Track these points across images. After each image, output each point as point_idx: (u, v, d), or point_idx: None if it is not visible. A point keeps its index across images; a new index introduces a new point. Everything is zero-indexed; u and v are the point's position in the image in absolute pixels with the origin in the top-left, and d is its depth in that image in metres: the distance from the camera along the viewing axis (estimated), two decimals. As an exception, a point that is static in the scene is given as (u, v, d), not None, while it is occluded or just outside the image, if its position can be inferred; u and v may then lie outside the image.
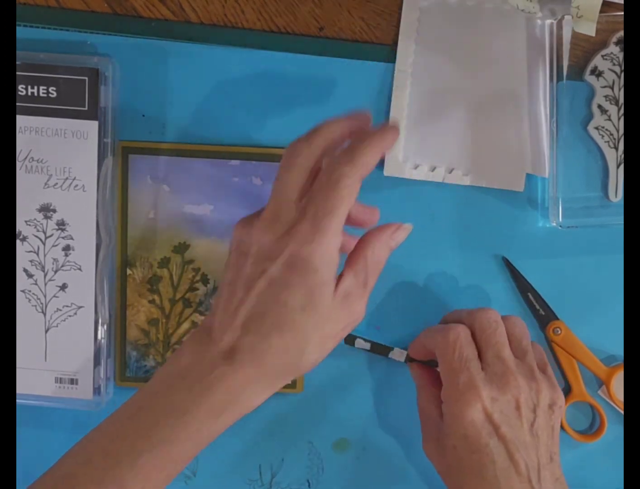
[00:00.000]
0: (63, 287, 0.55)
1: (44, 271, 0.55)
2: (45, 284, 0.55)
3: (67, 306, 0.55)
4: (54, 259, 0.55)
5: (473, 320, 0.51)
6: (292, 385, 0.57)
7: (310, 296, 0.42)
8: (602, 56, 0.54)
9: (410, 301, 0.57)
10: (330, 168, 0.43)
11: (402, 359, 0.55)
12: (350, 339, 0.55)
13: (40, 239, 0.55)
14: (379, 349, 0.56)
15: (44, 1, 0.55)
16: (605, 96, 0.54)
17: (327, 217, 0.42)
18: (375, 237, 0.46)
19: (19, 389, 0.56)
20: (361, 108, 0.47)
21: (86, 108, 0.53)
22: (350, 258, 0.45)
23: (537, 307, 0.57)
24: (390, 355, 0.55)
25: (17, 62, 0.53)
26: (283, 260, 0.42)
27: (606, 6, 0.53)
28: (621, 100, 0.54)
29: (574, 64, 0.55)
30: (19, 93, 0.53)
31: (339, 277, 0.44)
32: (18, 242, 0.55)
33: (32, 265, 0.55)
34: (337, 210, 0.42)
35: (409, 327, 0.57)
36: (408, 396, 0.57)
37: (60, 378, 0.56)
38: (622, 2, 0.53)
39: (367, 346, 0.55)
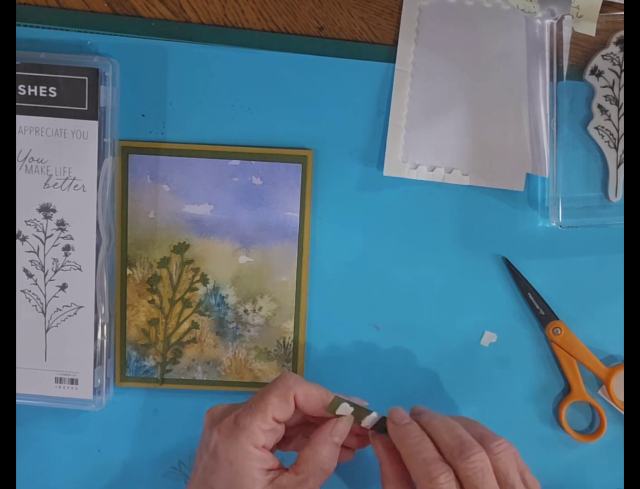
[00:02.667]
0: (63, 287, 0.55)
1: (44, 271, 0.55)
2: (45, 284, 0.55)
3: (67, 306, 0.55)
4: (54, 259, 0.55)
5: (459, 465, 0.45)
6: (292, 385, 0.57)
7: (232, 486, 0.47)
8: (602, 56, 0.54)
9: (410, 301, 0.57)
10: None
11: (370, 425, 0.50)
12: (333, 405, 0.49)
13: (40, 239, 0.55)
14: (360, 413, 0.50)
15: (44, 1, 0.55)
16: (605, 96, 0.54)
17: (249, 416, 0.47)
18: (316, 438, 0.49)
19: (19, 389, 0.56)
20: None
21: (86, 108, 0.53)
22: (298, 457, 0.49)
23: (537, 307, 0.57)
24: (362, 422, 0.50)
25: (17, 62, 0.53)
26: (209, 451, 0.48)
27: (606, 6, 0.53)
28: (621, 101, 0.54)
29: (574, 64, 0.55)
30: (19, 93, 0.53)
31: (282, 471, 0.48)
32: (18, 242, 0.55)
33: (32, 265, 0.55)
34: (259, 413, 0.47)
35: (409, 327, 0.57)
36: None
37: (60, 378, 0.56)
38: (622, 2, 0.53)
39: (349, 411, 0.49)
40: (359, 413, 0.49)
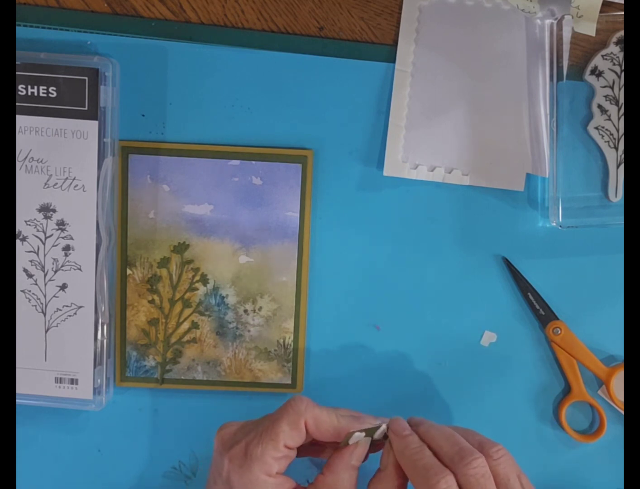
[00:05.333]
0: (63, 287, 0.55)
1: (44, 271, 0.55)
2: (45, 284, 0.55)
3: (67, 306, 0.55)
4: (54, 259, 0.55)
5: (460, 470, 0.45)
6: (292, 385, 0.57)
7: None
8: (602, 56, 0.54)
9: (410, 301, 0.57)
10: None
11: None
12: (346, 439, 0.48)
13: (40, 239, 0.55)
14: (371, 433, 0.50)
15: (44, 1, 0.55)
16: (605, 96, 0.54)
17: (260, 446, 0.47)
18: (337, 463, 0.49)
19: (19, 389, 0.56)
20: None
21: (86, 108, 0.53)
22: (317, 481, 0.49)
23: (537, 307, 0.57)
24: (374, 437, 0.50)
25: (17, 62, 0.53)
26: (223, 479, 0.48)
27: (606, 6, 0.53)
28: (621, 101, 0.54)
29: (574, 64, 0.55)
30: (19, 93, 0.53)
31: None
32: (18, 242, 0.55)
33: (32, 265, 0.55)
34: (271, 442, 0.47)
35: (409, 327, 0.57)
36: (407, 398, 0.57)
37: (60, 378, 0.56)
38: (622, 2, 0.53)
39: (362, 436, 0.49)
40: (371, 432, 0.49)
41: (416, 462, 0.46)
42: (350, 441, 0.49)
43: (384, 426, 0.49)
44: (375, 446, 0.51)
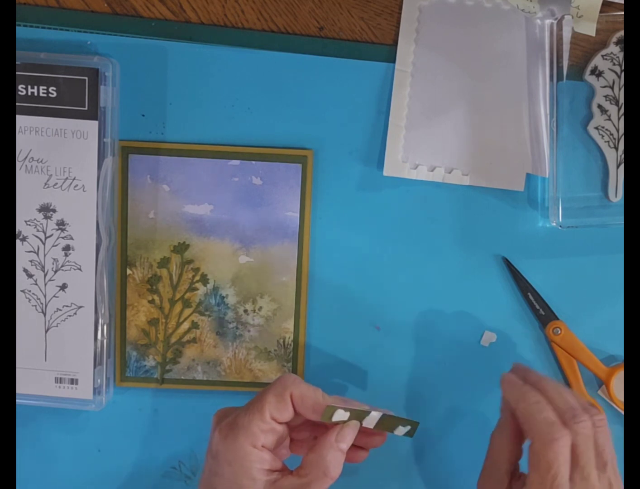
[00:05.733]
0: (63, 287, 0.55)
1: (44, 271, 0.55)
2: (45, 284, 0.55)
3: (67, 306, 0.55)
4: (54, 259, 0.55)
5: (574, 430, 0.47)
6: (292, 385, 0.57)
7: (232, 486, 0.47)
8: (602, 56, 0.54)
9: (410, 301, 0.57)
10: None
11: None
12: (328, 413, 0.48)
13: (40, 239, 0.55)
14: (357, 416, 0.49)
15: (44, 1, 0.55)
16: (605, 96, 0.54)
17: (247, 415, 0.47)
18: (321, 442, 0.48)
19: (19, 389, 0.56)
20: None
21: (86, 108, 0.53)
22: (302, 460, 0.48)
23: (537, 307, 0.57)
24: (363, 423, 0.50)
25: (17, 62, 0.53)
26: (212, 453, 0.48)
27: (606, 6, 0.53)
28: (621, 101, 0.54)
29: (574, 64, 0.55)
30: (19, 93, 0.53)
31: (285, 474, 0.48)
32: (18, 242, 0.55)
33: (32, 265, 0.55)
34: (257, 412, 0.47)
35: (409, 327, 0.57)
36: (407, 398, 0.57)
37: (60, 378, 0.56)
38: (622, 2, 0.53)
39: (346, 416, 0.49)
40: (358, 415, 0.49)
41: (537, 412, 0.47)
42: (334, 419, 0.48)
43: (374, 413, 0.49)
44: (369, 435, 0.50)
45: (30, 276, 0.55)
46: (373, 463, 0.58)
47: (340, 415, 0.48)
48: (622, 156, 0.55)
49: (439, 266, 0.57)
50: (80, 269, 0.55)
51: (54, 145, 0.54)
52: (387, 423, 0.50)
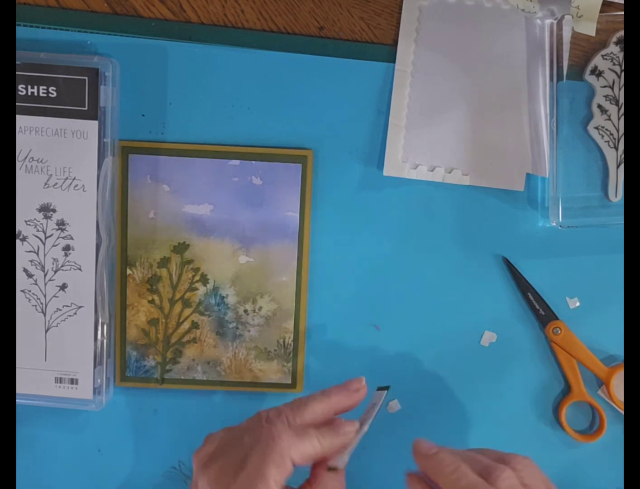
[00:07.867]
0: (63, 287, 0.55)
1: (44, 271, 0.55)
2: (45, 284, 0.55)
3: (67, 306, 0.55)
4: (54, 259, 0.55)
5: (497, 487, 0.45)
6: (292, 384, 0.57)
7: None
8: (602, 56, 0.54)
9: (410, 300, 0.57)
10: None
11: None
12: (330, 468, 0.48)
13: (40, 239, 0.55)
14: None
15: (44, 1, 0.55)
16: (605, 96, 0.54)
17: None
18: (320, 470, 0.47)
19: (19, 389, 0.56)
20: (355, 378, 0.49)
21: (86, 108, 0.53)
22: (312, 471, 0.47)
23: (537, 307, 0.57)
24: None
25: (17, 62, 0.53)
26: None
27: (606, 6, 0.53)
28: (621, 100, 0.54)
29: (574, 64, 0.55)
30: (19, 93, 0.53)
31: None
32: (18, 242, 0.55)
33: (32, 265, 0.55)
34: (260, 485, 0.45)
35: (409, 327, 0.57)
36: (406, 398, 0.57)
37: (60, 378, 0.56)
38: (622, 2, 0.53)
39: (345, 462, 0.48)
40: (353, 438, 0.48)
41: (457, 481, 0.45)
42: (339, 466, 0.47)
43: (364, 427, 0.48)
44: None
45: (30, 276, 0.55)
46: (371, 465, 0.58)
47: (342, 462, 0.47)
48: (622, 156, 0.55)
49: (439, 266, 0.57)
50: (80, 269, 0.55)
51: (54, 145, 0.54)
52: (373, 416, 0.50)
